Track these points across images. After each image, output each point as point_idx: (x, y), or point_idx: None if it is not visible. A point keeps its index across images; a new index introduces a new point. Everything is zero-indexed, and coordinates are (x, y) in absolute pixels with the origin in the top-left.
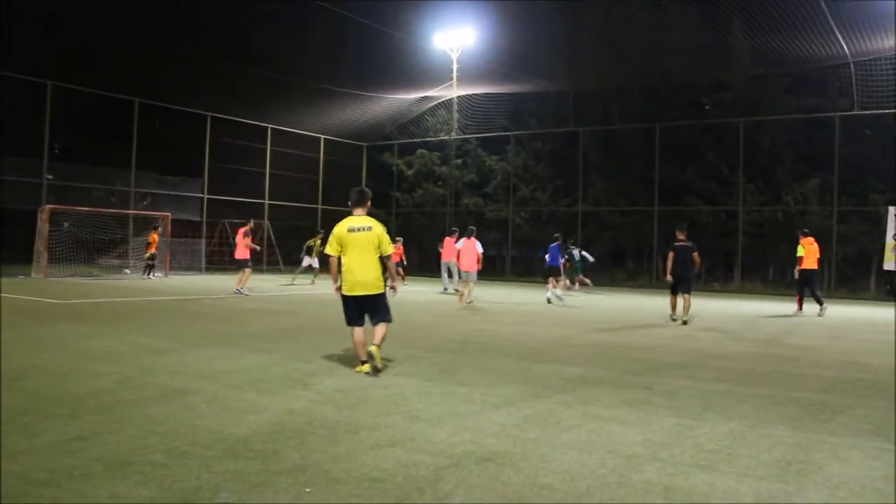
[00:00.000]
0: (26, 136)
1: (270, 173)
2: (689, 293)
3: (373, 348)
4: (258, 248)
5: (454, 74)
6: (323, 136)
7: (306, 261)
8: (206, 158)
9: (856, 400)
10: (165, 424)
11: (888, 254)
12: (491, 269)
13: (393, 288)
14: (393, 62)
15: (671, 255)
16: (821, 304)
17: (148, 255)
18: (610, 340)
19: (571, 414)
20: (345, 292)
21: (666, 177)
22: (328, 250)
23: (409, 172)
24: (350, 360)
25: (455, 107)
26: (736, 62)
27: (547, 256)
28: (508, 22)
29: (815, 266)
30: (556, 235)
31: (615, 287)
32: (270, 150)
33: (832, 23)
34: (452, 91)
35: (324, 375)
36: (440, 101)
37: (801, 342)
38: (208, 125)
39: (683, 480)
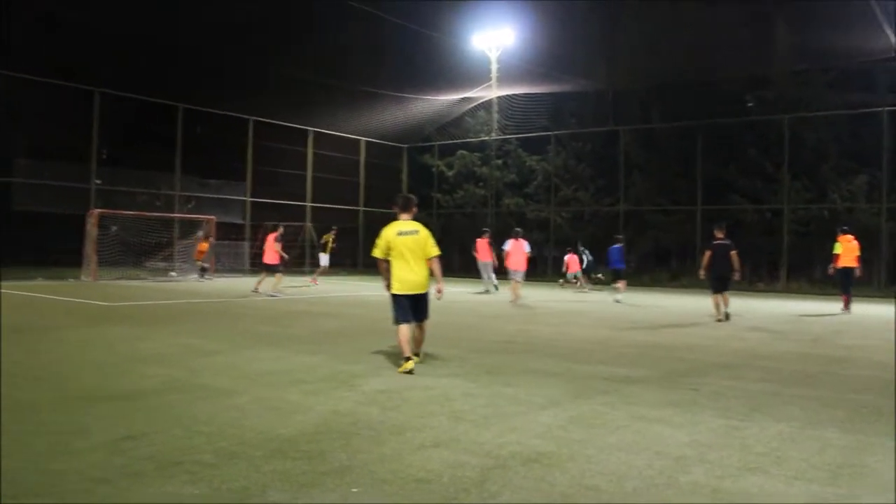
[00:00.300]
0: (76, 142)
1: (312, 176)
2: (726, 290)
3: (411, 362)
4: (286, 256)
5: (493, 75)
6: (364, 139)
7: (323, 259)
8: (249, 162)
9: None
10: (212, 425)
11: None
12: (532, 270)
13: (439, 291)
14: (432, 63)
15: (709, 253)
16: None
17: (199, 262)
18: (654, 340)
19: (617, 415)
20: (395, 291)
21: (708, 175)
22: (375, 253)
23: (450, 173)
24: (393, 359)
25: (495, 107)
26: (779, 58)
27: (611, 259)
28: (547, 21)
29: (852, 264)
30: (617, 237)
31: (659, 287)
32: (312, 152)
33: (879, 15)
34: (492, 92)
35: (368, 376)
36: (480, 101)
37: (850, 342)
38: (250, 129)
39: (732, 483)
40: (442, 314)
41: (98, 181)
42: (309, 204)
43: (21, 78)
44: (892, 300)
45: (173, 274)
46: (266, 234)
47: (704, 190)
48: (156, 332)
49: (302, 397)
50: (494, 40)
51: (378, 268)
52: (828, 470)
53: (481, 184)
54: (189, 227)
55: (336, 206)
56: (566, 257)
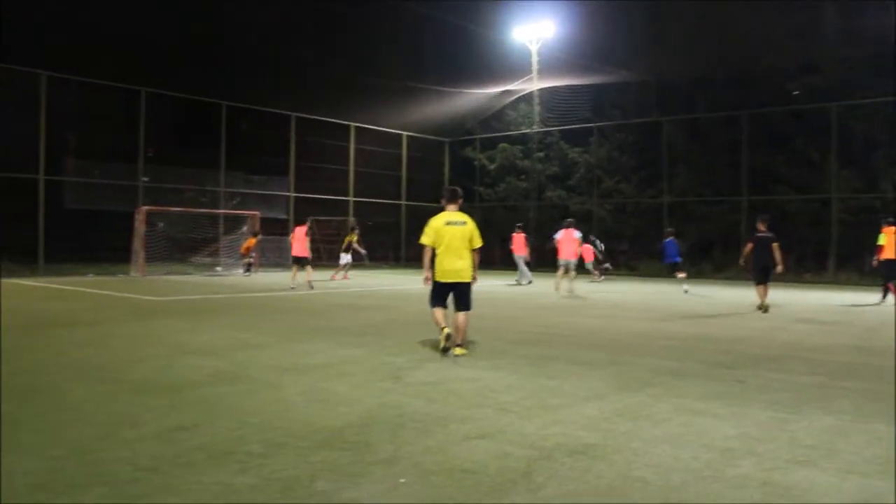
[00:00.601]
0: (123, 141)
1: (355, 171)
2: (767, 282)
3: (457, 350)
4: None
5: (534, 67)
6: (405, 133)
7: (344, 258)
8: (292, 157)
9: None
10: (261, 416)
11: None
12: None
13: (474, 278)
14: (473, 57)
15: (750, 245)
16: (885, 295)
17: (246, 258)
18: (699, 332)
19: (662, 407)
20: (437, 278)
21: (753, 165)
22: (424, 240)
23: (492, 167)
24: (437, 352)
25: (536, 100)
26: (826, 44)
27: (667, 253)
28: (588, 13)
29: None
30: (668, 231)
31: (703, 279)
32: (354, 147)
33: None
34: (533, 84)
35: (413, 369)
36: (521, 94)
37: None
38: (293, 125)
39: (782, 476)
40: (485, 307)
41: (145, 179)
42: (351, 199)
43: (70, 80)
44: None
45: (219, 269)
46: (294, 228)
47: (749, 180)
48: (204, 326)
49: (348, 389)
50: (535, 33)
51: (423, 256)
52: (878, 464)
53: (523, 176)
54: (234, 223)
55: (378, 201)
56: (581, 248)
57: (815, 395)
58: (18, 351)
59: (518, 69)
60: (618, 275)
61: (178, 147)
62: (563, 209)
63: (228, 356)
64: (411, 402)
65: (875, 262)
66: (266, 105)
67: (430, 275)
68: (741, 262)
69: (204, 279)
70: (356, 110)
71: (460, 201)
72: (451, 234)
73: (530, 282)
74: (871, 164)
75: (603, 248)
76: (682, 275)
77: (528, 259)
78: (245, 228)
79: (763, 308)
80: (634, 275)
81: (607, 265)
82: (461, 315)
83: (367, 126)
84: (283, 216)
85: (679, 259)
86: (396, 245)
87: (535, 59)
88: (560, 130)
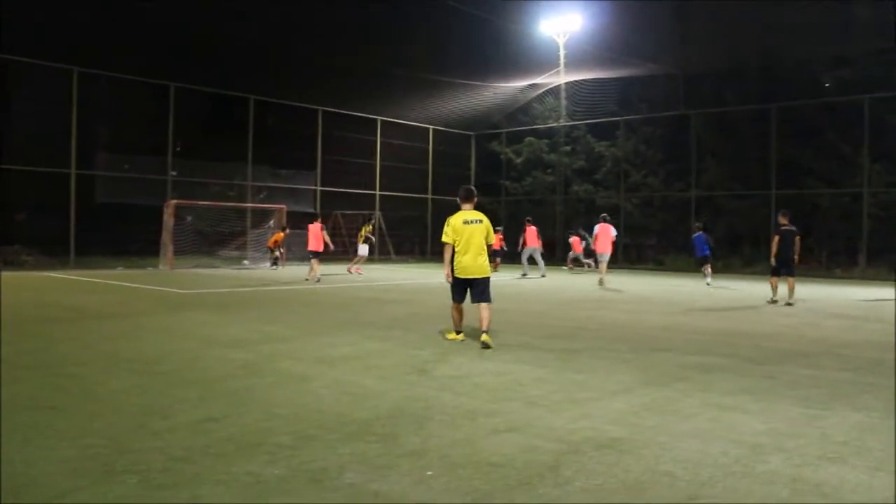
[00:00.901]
0: (152, 135)
1: (381, 164)
2: (792, 276)
3: (485, 337)
4: (331, 245)
5: (561, 61)
6: (431, 127)
7: (362, 249)
8: (319, 151)
9: None
10: (289, 408)
11: None
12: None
13: (495, 266)
14: (500, 50)
15: (777, 238)
16: None
17: (274, 252)
18: (727, 327)
19: (690, 402)
20: (457, 275)
21: (783, 159)
22: (445, 239)
23: (518, 160)
24: (462, 346)
25: (563, 93)
26: (859, 36)
27: (697, 247)
28: (615, 5)
29: None
30: (697, 225)
31: (731, 274)
32: (380, 141)
33: None
34: (560, 77)
35: (439, 362)
36: (548, 87)
37: None
38: (320, 119)
39: (812, 472)
40: (511, 301)
41: (174, 173)
42: (378, 192)
43: (101, 75)
44: None
45: (246, 262)
46: (309, 224)
47: (779, 174)
48: (232, 319)
49: (375, 382)
50: (562, 26)
51: (444, 253)
52: None
53: (550, 170)
54: (261, 217)
55: (404, 195)
56: (570, 240)
57: (845, 391)
58: (52, 342)
59: (545, 63)
60: (645, 269)
61: (206, 141)
62: (589, 203)
63: (256, 349)
64: (438, 396)
65: None
66: (293, 99)
67: (450, 272)
68: (772, 260)
69: (231, 272)
70: (382, 104)
71: (475, 200)
72: (469, 231)
73: (543, 276)
74: None
75: (590, 240)
76: (708, 268)
77: (543, 251)
78: (272, 222)
79: (785, 302)
80: (661, 269)
81: (589, 262)
82: (484, 308)
83: (393, 120)
84: (309, 210)
85: (708, 252)
86: (422, 239)
87: (562, 52)
88: (587, 124)
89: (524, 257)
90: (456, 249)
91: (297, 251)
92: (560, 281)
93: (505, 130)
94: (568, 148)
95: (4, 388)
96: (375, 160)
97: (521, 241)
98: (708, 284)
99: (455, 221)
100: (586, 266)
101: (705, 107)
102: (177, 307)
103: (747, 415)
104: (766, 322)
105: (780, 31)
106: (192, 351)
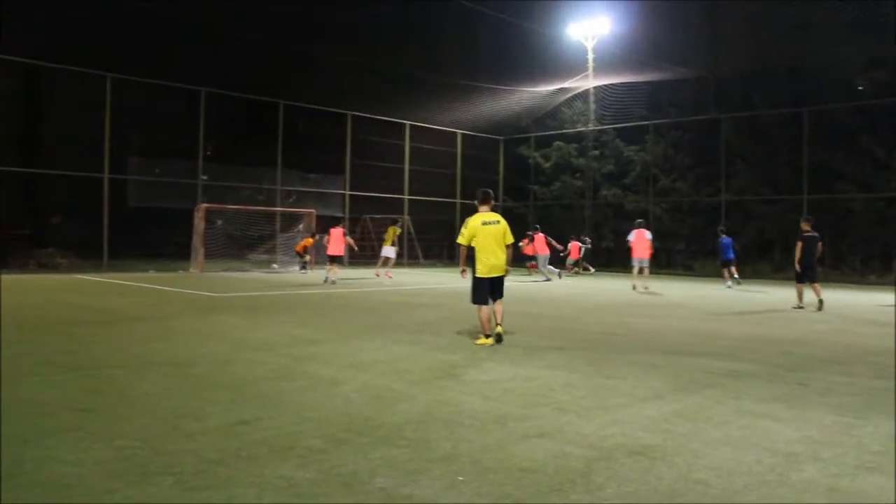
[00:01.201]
0: (184, 140)
1: (409, 169)
2: (816, 281)
3: (499, 329)
4: (356, 248)
5: (590, 65)
6: (460, 132)
7: (389, 251)
8: (348, 156)
9: None
10: (320, 411)
11: None
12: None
13: (506, 271)
14: (528, 55)
15: (800, 245)
16: None
17: (303, 257)
18: (759, 333)
19: (722, 409)
20: (481, 275)
21: (815, 163)
22: (461, 240)
23: (547, 165)
24: (492, 351)
25: (591, 97)
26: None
27: (723, 250)
28: (644, 9)
29: None
30: (720, 229)
31: (761, 279)
32: (409, 145)
33: None
34: (588, 82)
35: (469, 367)
36: (576, 92)
37: None
38: (349, 123)
39: (849, 482)
40: (540, 306)
41: (204, 177)
42: (406, 197)
43: (134, 81)
44: None
45: (275, 266)
46: (331, 228)
47: (810, 178)
48: (262, 322)
49: (406, 386)
50: (591, 30)
51: (459, 254)
52: None
53: (578, 175)
54: (290, 221)
55: (433, 199)
56: (570, 245)
57: (881, 399)
58: (86, 345)
59: (574, 66)
60: (674, 274)
61: (236, 145)
62: (618, 208)
63: (286, 352)
64: (468, 400)
65: None
66: (323, 104)
67: (465, 269)
68: (797, 266)
69: (261, 276)
70: (411, 108)
71: (492, 202)
72: (488, 232)
73: (554, 278)
74: None
75: (590, 246)
76: (728, 271)
77: (551, 257)
78: (301, 226)
79: (816, 308)
80: (690, 274)
81: (587, 266)
82: (498, 303)
83: (421, 124)
84: (338, 214)
85: (732, 255)
86: (451, 243)
87: (590, 56)
88: (615, 128)
89: (543, 265)
90: (477, 250)
91: (326, 256)
92: (589, 286)
93: (533, 135)
94: (596, 152)
95: (44, 389)
96: (404, 164)
97: (532, 249)
98: (729, 287)
99: (473, 223)
100: (574, 270)
101: (735, 110)
102: (207, 310)
103: (780, 422)
104: (798, 328)
105: (811, 32)
106: (223, 354)
